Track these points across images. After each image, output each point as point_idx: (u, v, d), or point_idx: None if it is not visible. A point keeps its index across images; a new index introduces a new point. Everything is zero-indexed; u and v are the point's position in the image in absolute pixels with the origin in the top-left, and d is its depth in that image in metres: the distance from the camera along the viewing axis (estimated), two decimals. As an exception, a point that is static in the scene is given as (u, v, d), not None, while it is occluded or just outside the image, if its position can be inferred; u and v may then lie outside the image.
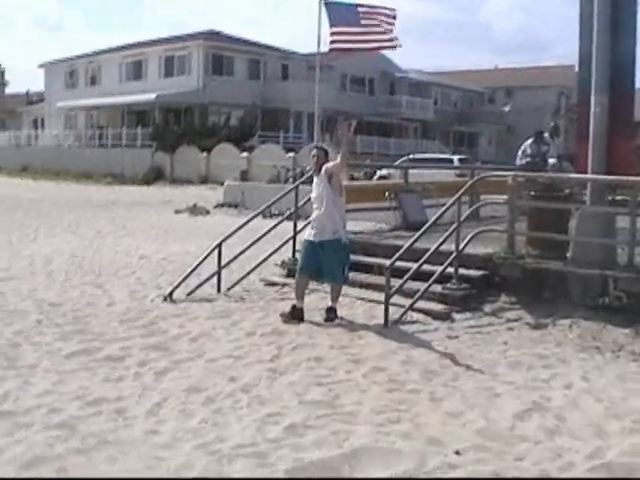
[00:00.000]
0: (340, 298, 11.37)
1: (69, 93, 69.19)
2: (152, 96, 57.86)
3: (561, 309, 10.83)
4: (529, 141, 19.76)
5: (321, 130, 54.03)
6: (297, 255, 13.60)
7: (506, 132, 76.73)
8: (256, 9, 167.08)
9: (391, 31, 24.56)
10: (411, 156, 39.63)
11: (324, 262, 10.60)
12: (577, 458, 6.17)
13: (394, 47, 25.19)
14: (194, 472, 5.71)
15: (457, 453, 6.19)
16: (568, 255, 11.31)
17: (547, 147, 19.54)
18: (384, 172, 33.65)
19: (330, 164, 10.61)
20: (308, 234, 10.82)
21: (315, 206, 10.73)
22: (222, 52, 61.49)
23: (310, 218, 11.05)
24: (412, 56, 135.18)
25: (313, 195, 10.82)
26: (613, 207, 11.93)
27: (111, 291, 12.50)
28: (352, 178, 33.39)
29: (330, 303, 10.77)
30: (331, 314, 10.64)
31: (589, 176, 11.25)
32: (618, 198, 12.74)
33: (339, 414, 7.04)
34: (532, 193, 11.93)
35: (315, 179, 10.81)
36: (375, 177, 34.43)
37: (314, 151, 11.00)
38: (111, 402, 7.17)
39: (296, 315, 10.56)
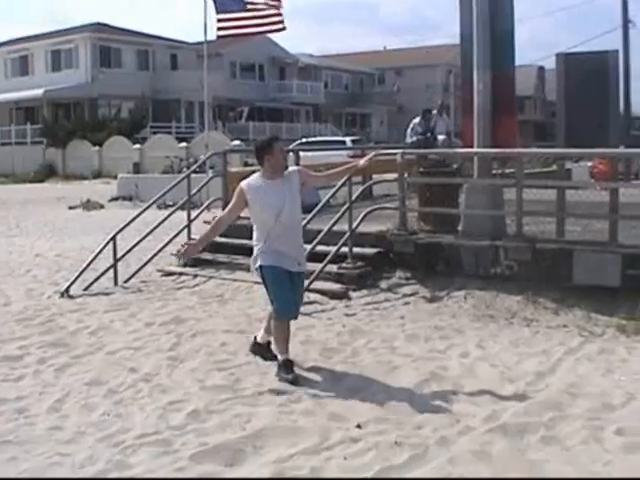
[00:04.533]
0: (236, 284, 11.48)
1: (-47, 92, 67.33)
2: (40, 91, 56.70)
3: (455, 281, 11.08)
4: (417, 119, 20.06)
5: (213, 119, 53.93)
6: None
7: (397, 112, 77.43)
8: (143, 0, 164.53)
9: (278, 14, 24.62)
10: (304, 140, 39.77)
11: (297, 295, 7.87)
12: (474, 422, 6.38)
13: (281, 30, 25.25)
14: (99, 465, 5.69)
15: (358, 426, 6.32)
16: (459, 228, 11.55)
17: (433, 122, 19.85)
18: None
19: (309, 174, 7.98)
20: (274, 260, 7.57)
21: (289, 224, 7.61)
22: (109, 44, 60.52)
23: (277, 242, 7.58)
24: (303, 39, 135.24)
25: (286, 209, 7.53)
26: (499, 179, 12.23)
27: (6, 291, 12.27)
28: (246, 164, 33.45)
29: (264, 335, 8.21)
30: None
31: (475, 150, 11.50)
32: (508, 171, 13.05)
33: (241, 397, 7.12)
34: (421, 170, 12.13)
35: (272, 184, 7.60)
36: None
37: (280, 144, 7.73)
38: (11, 402, 7.08)
39: (290, 365, 7.71)
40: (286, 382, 7.45)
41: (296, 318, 7.92)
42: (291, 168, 7.95)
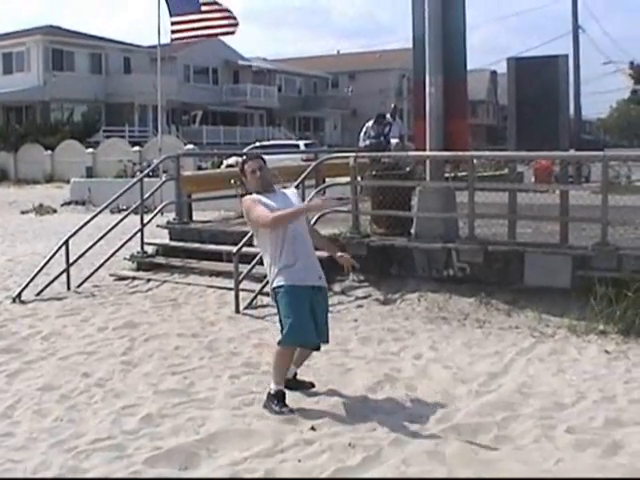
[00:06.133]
0: (190, 288, 11.40)
1: None
2: (-9, 95, 56.22)
3: (408, 284, 11.14)
4: (370, 123, 20.08)
5: (166, 123, 53.66)
6: (146, 248, 13.61)
7: (351, 116, 77.67)
8: (95, 2, 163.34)
9: (230, 17, 24.65)
10: (257, 144, 39.72)
11: (320, 315, 7.00)
12: (428, 423, 6.43)
13: (233, 32, 25.33)
14: (51, 471, 5.65)
15: (312, 429, 6.33)
16: (412, 231, 11.61)
17: (388, 127, 19.87)
18: (231, 161, 33.60)
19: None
20: (293, 278, 6.87)
21: (300, 235, 7.04)
22: (62, 47, 59.89)
23: (294, 251, 6.91)
24: (256, 43, 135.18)
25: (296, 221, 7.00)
26: (452, 182, 12.33)
27: (-43, 297, 12.13)
28: (199, 168, 33.36)
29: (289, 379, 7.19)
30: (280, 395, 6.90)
31: (427, 153, 11.55)
32: (460, 174, 13.15)
33: (194, 401, 7.10)
34: (374, 173, 12.17)
35: (269, 195, 7.08)
36: (223, 166, 34.37)
37: (250, 163, 7.28)
38: (-39, 409, 7.00)
39: (283, 397, 6.87)
40: (281, 415, 6.66)
41: (326, 342, 7.17)
42: (289, 190, 7.56)
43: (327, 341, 7.15)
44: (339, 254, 7.39)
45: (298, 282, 6.83)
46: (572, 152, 13.86)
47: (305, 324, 6.77)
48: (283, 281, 6.85)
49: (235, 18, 24.78)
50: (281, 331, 6.87)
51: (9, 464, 5.79)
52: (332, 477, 5.46)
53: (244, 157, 7.60)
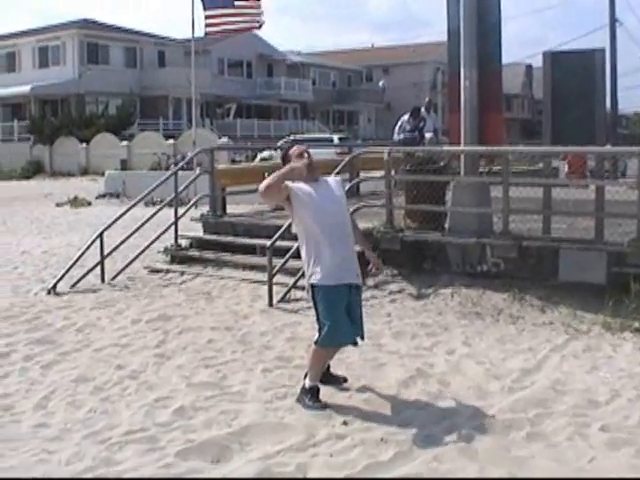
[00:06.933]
0: (223, 281, 11.40)
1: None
2: (27, 88, 56.63)
3: (442, 278, 11.11)
4: (405, 117, 20.00)
5: (200, 116, 53.81)
6: (180, 241, 13.65)
7: (385, 109, 77.52)
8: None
9: (260, 11, 24.66)
10: (291, 137, 39.71)
11: (355, 310, 6.86)
12: (460, 419, 6.40)
13: (260, 26, 25.30)
14: (85, 462, 5.69)
15: (344, 423, 6.33)
16: (446, 226, 11.57)
17: (423, 122, 19.81)
18: (265, 154, 33.67)
19: None
20: (331, 276, 6.67)
21: (340, 229, 6.81)
22: (97, 40, 60.22)
23: (333, 243, 6.69)
24: (290, 36, 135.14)
25: (333, 207, 6.82)
26: (486, 177, 12.26)
27: (-7, 288, 12.24)
28: (233, 161, 33.42)
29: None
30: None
31: (461, 148, 11.50)
32: (495, 169, 13.07)
33: (227, 394, 7.12)
34: (408, 167, 12.13)
35: (312, 184, 6.84)
36: (257, 159, 34.44)
37: (294, 148, 7.14)
38: (-3, 399, 7.05)
39: (318, 392, 6.88)
40: (313, 410, 6.67)
41: (363, 339, 7.05)
42: (331, 178, 7.39)
43: (363, 337, 7.02)
44: (371, 253, 7.38)
45: (337, 281, 6.67)
46: (608, 147, 13.71)
47: (343, 325, 6.67)
48: (321, 280, 6.68)
49: (260, 14, 24.71)
50: (319, 330, 6.82)
51: (44, 454, 5.85)
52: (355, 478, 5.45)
53: (286, 147, 7.42)
